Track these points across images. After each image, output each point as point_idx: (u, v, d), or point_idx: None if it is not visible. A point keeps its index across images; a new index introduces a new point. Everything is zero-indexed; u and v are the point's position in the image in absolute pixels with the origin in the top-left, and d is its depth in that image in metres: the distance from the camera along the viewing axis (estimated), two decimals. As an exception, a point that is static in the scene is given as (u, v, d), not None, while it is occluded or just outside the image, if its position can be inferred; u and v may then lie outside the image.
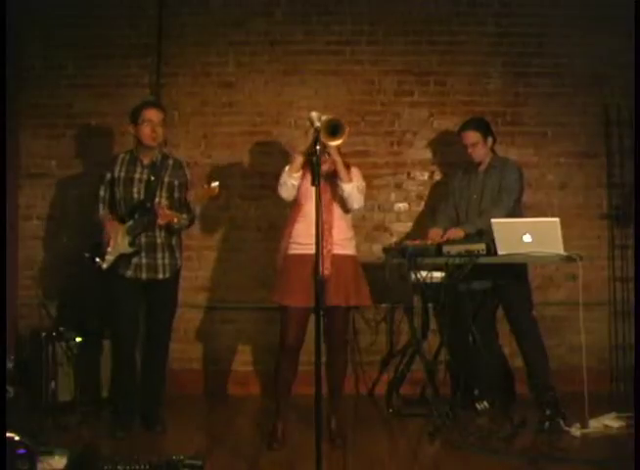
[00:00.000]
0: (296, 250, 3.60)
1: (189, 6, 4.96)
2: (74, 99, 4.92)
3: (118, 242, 3.81)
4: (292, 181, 3.56)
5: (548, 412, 3.81)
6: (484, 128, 4.24)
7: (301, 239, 3.57)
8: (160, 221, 3.74)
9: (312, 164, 3.10)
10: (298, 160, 3.56)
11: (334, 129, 3.33)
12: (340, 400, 3.71)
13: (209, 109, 4.94)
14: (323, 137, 3.21)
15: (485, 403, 4.17)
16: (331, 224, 3.55)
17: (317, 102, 4.82)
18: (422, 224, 4.86)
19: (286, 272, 3.60)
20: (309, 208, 3.51)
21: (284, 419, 3.63)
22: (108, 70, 4.91)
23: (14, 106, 4.65)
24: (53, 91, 4.92)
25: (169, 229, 3.86)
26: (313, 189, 3.46)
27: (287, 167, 3.60)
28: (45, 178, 4.92)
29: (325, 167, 3.55)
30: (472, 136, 4.20)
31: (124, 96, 4.82)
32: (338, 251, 3.56)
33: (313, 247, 3.35)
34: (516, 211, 4.12)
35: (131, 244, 3.80)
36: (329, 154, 3.51)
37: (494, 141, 4.27)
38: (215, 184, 3.62)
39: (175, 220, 3.79)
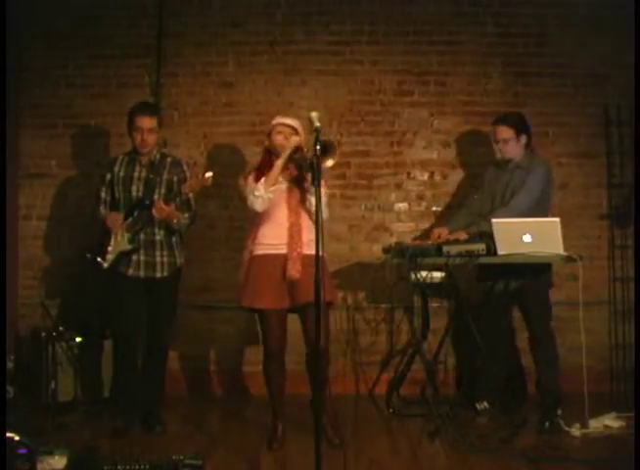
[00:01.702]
0: (262, 250, 3.61)
1: (189, 6, 4.95)
2: (74, 99, 4.92)
3: (118, 240, 3.82)
4: (269, 195, 3.55)
5: (560, 412, 3.81)
6: (519, 125, 4.04)
7: (267, 240, 3.60)
8: (157, 215, 3.74)
9: (312, 166, 3.09)
10: (276, 172, 3.56)
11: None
12: (327, 400, 3.52)
13: (209, 109, 4.94)
14: (311, 154, 3.12)
15: (485, 404, 4.16)
16: (300, 227, 3.57)
17: (317, 102, 4.82)
18: (421, 223, 4.90)
19: (253, 274, 3.60)
20: (274, 211, 3.58)
21: (283, 419, 3.63)
22: (108, 70, 4.91)
23: (14, 106, 4.66)
24: (53, 91, 4.92)
25: (169, 228, 3.87)
26: (279, 194, 3.56)
27: (263, 180, 3.56)
28: (45, 178, 4.92)
29: (288, 172, 3.62)
30: (504, 131, 4.03)
31: (124, 96, 4.82)
32: (306, 251, 3.53)
33: (280, 247, 3.53)
34: (540, 212, 3.92)
35: (130, 241, 3.81)
36: (303, 166, 3.53)
37: (529, 139, 4.08)
38: (209, 174, 3.63)
39: (175, 220, 3.80)
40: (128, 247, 3.81)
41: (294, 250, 3.51)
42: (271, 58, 4.95)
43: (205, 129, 4.93)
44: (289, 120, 3.70)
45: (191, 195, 3.89)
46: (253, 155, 4.88)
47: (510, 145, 4.04)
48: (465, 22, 4.93)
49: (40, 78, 4.91)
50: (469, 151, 4.90)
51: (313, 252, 3.40)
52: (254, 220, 3.72)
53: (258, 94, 4.95)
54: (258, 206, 3.58)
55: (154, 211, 3.73)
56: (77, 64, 4.92)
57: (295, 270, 3.48)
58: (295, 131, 3.66)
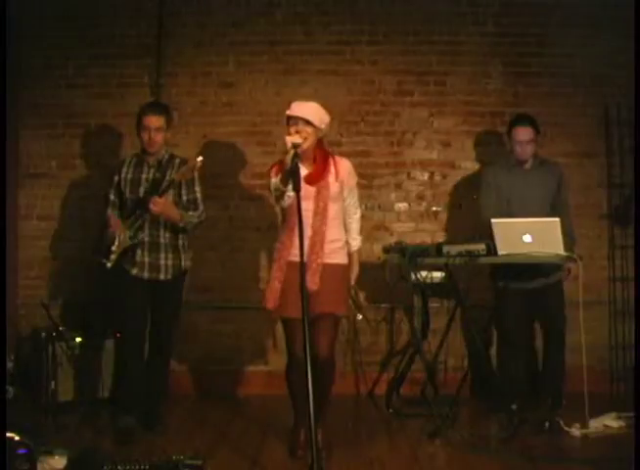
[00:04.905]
0: (288, 257, 3.41)
1: (189, 6, 4.96)
2: (74, 99, 4.92)
3: (121, 238, 3.82)
4: (288, 192, 3.29)
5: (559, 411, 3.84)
6: (537, 127, 4.13)
7: (291, 247, 3.38)
8: (153, 209, 3.67)
9: (292, 173, 3.14)
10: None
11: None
12: (320, 428, 3.28)
13: (209, 109, 4.94)
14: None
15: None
16: (323, 235, 3.41)
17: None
18: (421, 224, 4.89)
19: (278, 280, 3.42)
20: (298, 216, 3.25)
21: (305, 425, 3.24)
22: (108, 70, 4.90)
23: (14, 106, 4.66)
24: (53, 91, 4.91)
25: (175, 229, 3.87)
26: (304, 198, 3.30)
27: (278, 175, 3.35)
28: (45, 178, 4.92)
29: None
30: (528, 132, 4.07)
31: (124, 96, 4.83)
32: (327, 260, 3.41)
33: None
34: None
35: (131, 237, 3.81)
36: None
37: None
38: (200, 159, 3.66)
39: (179, 218, 3.80)
40: (128, 243, 3.81)
41: (313, 261, 3.32)
42: (271, 58, 4.95)
43: (205, 129, 4.93)
44: (301, 112, 3.40)
45: (199, 194, 3.90)
46: (254, 155, 4.90)
47: (530, 146, 4.10)
48: (465, 22, 4.93)
49: (40, 78, 4.91)
50: (468, 151, 4.91)
51: (335, 260, 3.43)
52: (283, 221, 3.53)
53: (258, 94, 4.95)
54: (279, 200, 3.34)
55: (150, 206, 3.69)
56: (77, 64, 4.92)
57: (312, 283, 3.28)
58: (307, 123, 3.38)
